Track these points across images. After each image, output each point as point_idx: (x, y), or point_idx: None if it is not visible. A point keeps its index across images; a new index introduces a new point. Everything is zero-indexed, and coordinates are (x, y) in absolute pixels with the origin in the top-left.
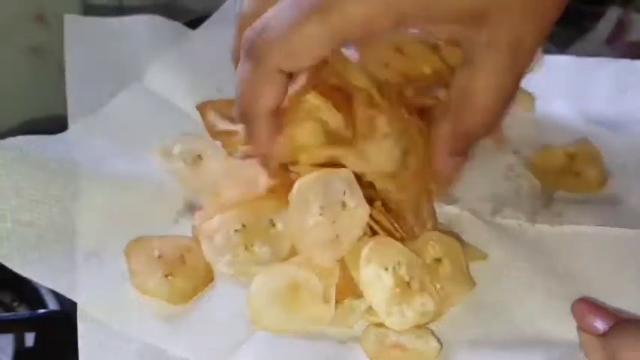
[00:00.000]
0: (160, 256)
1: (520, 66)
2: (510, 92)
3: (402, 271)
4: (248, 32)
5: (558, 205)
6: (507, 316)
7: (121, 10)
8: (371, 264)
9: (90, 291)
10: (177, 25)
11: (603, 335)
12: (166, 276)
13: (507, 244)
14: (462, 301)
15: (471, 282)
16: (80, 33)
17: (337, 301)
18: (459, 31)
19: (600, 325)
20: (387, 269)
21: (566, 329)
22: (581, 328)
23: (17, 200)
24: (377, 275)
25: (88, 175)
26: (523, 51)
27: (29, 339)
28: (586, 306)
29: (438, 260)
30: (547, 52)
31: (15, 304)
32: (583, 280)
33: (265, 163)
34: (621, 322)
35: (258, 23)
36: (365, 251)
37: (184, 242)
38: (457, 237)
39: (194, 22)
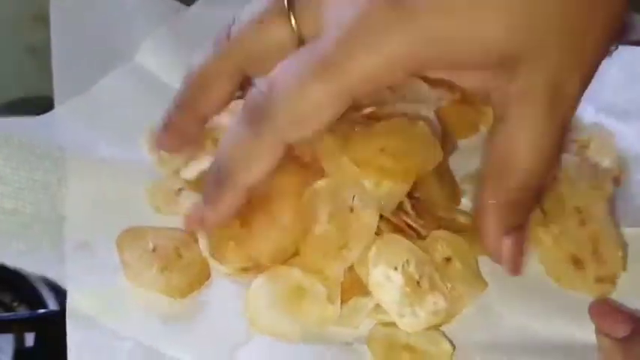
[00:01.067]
0: (154, 250)
1: (561, 117)
2: (553, 148)
3: (411, 269)
4: (251, 93)
5: None
6: (521, 317)
7: None
8: (379, 265)
9: (80, 285)
10: (170, 1)
11: (624, 339)
12: (162, 270)
13: None
14: (474, 302)
15: (482, 282)
16: (67, 8)
17: (343, 301)
18: (487, 79)
19: (621, 328)
20: (396, 268)
21: (583, 331)
22: (600, 331)
23: (0, 187)
24: (386, 276)
25: (76, 160)
26: (563, 99)
27: (29, 339)
28: (606, 307)
29: (448, 259)
30: None
31: (15, 304)
32: None
33: (204, 227)
34: None
35: (263, 83)
36: (372, 252)
37: (179, 235)
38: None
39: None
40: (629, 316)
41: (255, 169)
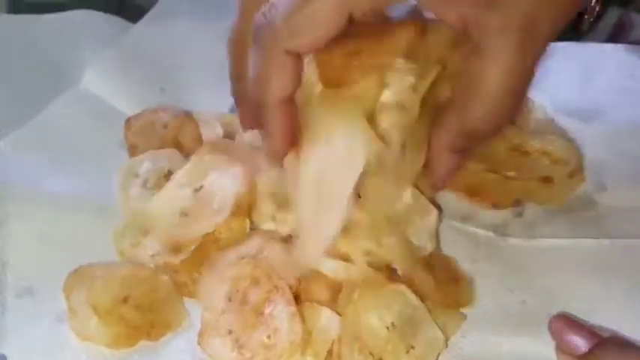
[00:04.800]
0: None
1: (534, 53)
2: (522, 82)
3: (403, 315)
4: (255, 17)
5: (530, 213)
6: (481, 333)
7: (57, 7)
8: (370, 317)
9: (22, 338)
10: (117, 20)
11: (584, 356)
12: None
13: (479, 256)
14: (456, 332)
15: (461, 313)
16: (9, 33)
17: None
18: (468, 13)
19: (581, 344)
20: (388, 326)
21: (544, 347)
22: (560, 348)
23: None
24: (379, 327)
25: (19, 197)
26: (537, 36)
27: None
28: (565, 323)
29: None
30: None
31: None
32: (560, 294)
33: (275, 159)
34: (603, 342)
35: (264, 6)
36: (358, 300)
37: (131, 273)
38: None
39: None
40: (588, 332)
41: (274, 84)
